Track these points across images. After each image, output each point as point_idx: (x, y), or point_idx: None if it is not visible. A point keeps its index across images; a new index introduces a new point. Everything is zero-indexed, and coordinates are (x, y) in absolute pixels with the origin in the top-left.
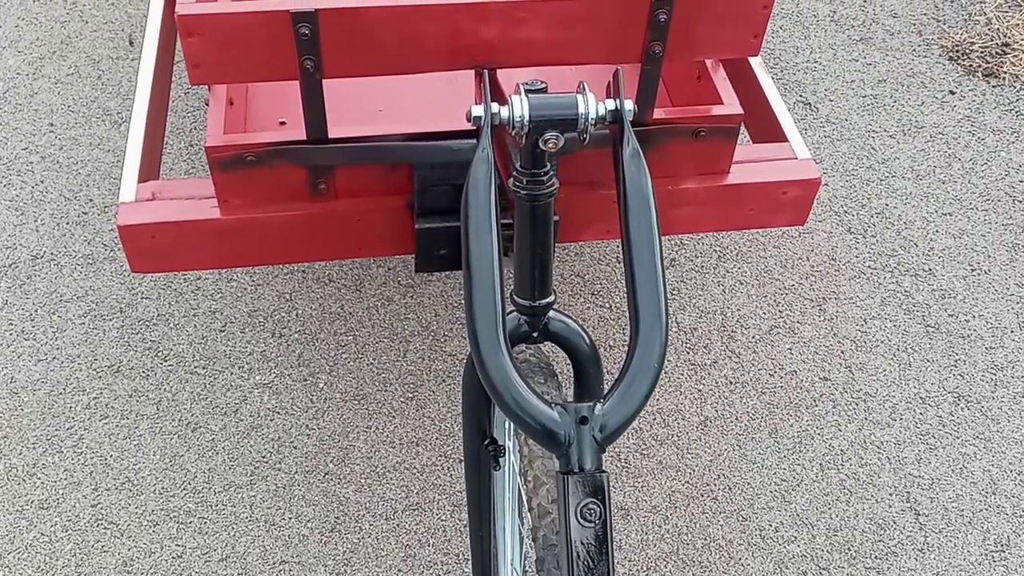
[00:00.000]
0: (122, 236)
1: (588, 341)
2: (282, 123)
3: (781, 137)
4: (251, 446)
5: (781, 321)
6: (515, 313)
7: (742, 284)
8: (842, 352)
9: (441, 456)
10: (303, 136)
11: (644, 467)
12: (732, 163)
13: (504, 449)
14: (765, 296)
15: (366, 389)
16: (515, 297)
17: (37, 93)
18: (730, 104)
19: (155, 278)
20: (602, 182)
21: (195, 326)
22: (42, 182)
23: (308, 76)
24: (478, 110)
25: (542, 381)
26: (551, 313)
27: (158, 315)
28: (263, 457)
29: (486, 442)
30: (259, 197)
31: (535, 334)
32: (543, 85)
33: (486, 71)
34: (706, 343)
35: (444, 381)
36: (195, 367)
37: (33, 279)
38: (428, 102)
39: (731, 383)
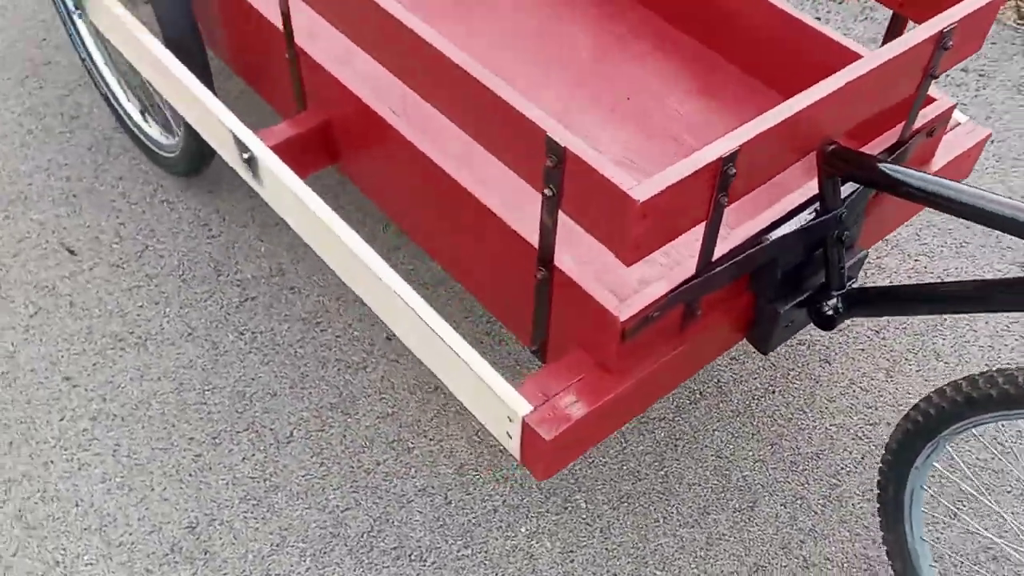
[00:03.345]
0: (541, 454)
1: None
2: None
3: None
4: None
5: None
6: None
7: None
8: None
9: None
10: (681, 271)
11: None
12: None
13: None
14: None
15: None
16: None
17: None
18: (942, 100)
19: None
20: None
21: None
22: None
23: (718, 210)
24: None
25: None
26: None
27: None
28: None
29: None
30: (647, 349)
31: None
32: None
33: None
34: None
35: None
36: None
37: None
38: None
39: None
